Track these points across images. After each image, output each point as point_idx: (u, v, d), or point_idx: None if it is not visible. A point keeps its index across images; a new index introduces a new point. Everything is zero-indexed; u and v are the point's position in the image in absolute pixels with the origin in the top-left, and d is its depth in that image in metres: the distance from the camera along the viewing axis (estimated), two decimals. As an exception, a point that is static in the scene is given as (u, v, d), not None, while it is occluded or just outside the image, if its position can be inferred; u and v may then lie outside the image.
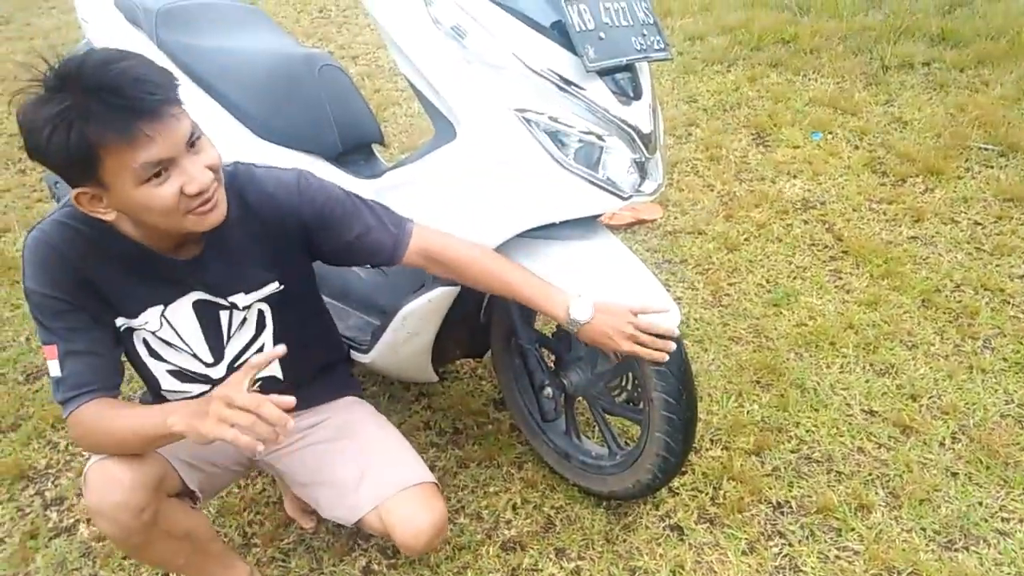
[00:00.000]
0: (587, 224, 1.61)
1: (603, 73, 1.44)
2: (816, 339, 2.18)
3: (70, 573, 1.74)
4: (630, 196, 1.48)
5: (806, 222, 2.70)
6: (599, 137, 1.43)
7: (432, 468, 1.92)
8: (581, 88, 1.42)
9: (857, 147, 3.11)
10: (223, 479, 1.57)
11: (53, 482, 1.98)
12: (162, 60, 2.01)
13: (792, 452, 1.87)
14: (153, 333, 1.36)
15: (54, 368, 1.29)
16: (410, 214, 1.58)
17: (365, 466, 1.46)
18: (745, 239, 2.63)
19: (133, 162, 1.12)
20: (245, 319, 1.44)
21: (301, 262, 1.48)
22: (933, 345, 2.13)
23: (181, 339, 1.40)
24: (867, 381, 2.03)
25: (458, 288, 1.61)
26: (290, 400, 1.11)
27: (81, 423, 1.29)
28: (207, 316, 1.40)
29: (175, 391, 1.43)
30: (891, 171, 2.91)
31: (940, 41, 3.86)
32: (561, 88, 1.41)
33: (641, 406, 1.65)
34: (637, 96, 1.50)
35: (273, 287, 1.43)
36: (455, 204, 1.51)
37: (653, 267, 2.52)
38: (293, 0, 5.27)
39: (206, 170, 1.19)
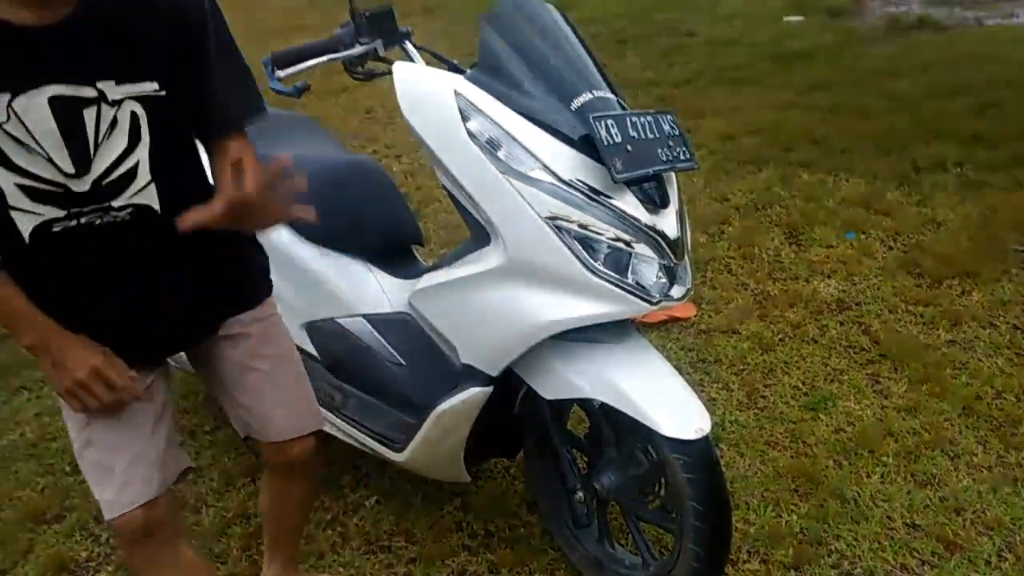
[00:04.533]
0: (618, 327, 1.64)
1: (631, 183, 1.50)
2: (855, 446, 2.15)
3: (101, 673, 1.74)
4: (659, 300, 1.51)
5: (842, 323, 2.69)
6: (628, 244, 1.48)
7: (463, 573, 1.91)
8: (610, 197, 1.48)
9: (891, 247, 3.12)
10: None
11: (92, 574, 2.00)
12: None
13: (832, 567, 1.82)
14: (1, 126, 1.15)
15: None
16: (447, 315, 1.64)
17: (273, 404, 1.54)
18: (780, 339, 2.63)
19: None
20: (115, 121, 1.23)
21: (186, 72, 1.27)
22: (975, 455, 2.09)
23: (34, 139, 1.18)
24: (908, 492, 1.99)
25: (491, 389, 1.64)
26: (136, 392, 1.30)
27: None
28: (68, 116, 1.18)
29: (23, 210, 1.21)
30: (927, 272, 2.91)
31: (972, 142, 3.90)
32: (591, 197, 1.47)
33: (674, 514, 1.63)
34: (664, 204, 1.56)
35: (151, 88, 1.24)
36: (490, 306, 1.56)
37: (687, 366, 2.53)
38: (343, 102, 5.52)
39: None
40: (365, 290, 2.02)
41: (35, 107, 1.16)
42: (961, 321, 2.62)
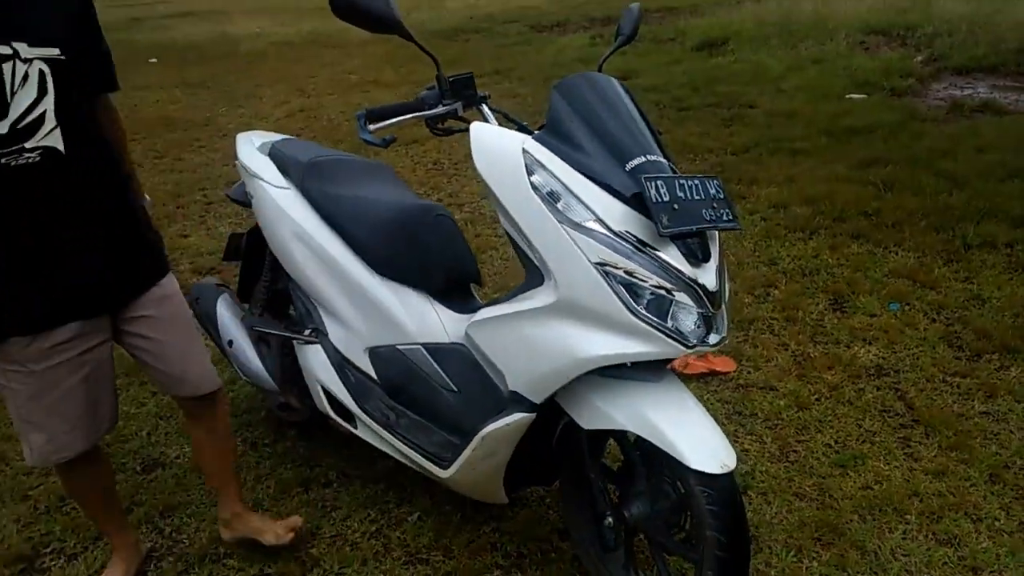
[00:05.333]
0: (656, 368, 1.78)
1: (675, 238, 1.66)
2: (881, 503, 2.22)
3: (160, 649, 1.91)
4: (695, 345, 1.65)
5: (878, 388, 2.77)
6: (669, 292, 1.63)
7: (495, 590, 2.03)
8: (655, 249, 1.64)
9: (934, 320, 3.18)
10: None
11: (155, 564, 2.19)
12: (304, 203, 2.37)
13: (848, 612, 1.89)
14: None
15: None
16: (500, 345, 1.80)
17: (182, 370, 1.97)
18: (816, 399, 2.72)
19: None
20: (27, 76, 1.58)
21: (82, 42, 1.70)
22: (998, 520, 2.13)
23: None
24: (928, 550, 2.05)
25: (533, 416, 1.79)
26: None
27: None
28: None
29: None
30: (967, 346, 2.97)
31: (1023, 223, 3.95)
32: (638, 248, 1.63)
33: (697, 545, 1.74)
34: (706, 259, 1.70)
35: (55, 52, 1.62)
36: (540, 339, 1.72)
37: (723, 417, 2.63)
38: (412, 154, 5.83)
39: None
40: (425, 321, 2.20)
41: None
42: (996, 394, 2.67)
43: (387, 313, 2.24)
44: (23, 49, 1.58)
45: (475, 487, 2.02)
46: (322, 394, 2.32)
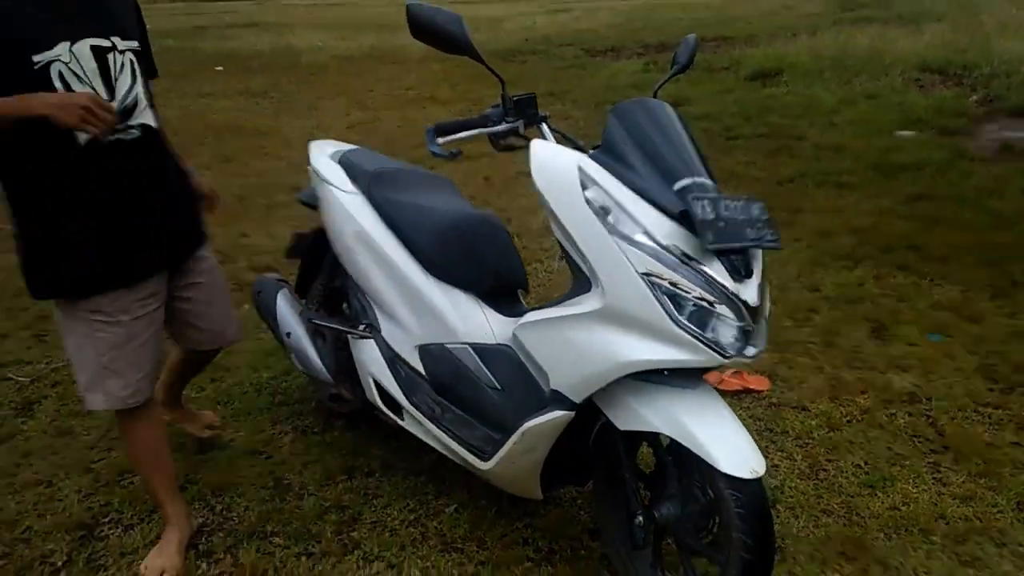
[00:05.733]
0: (691, 375, 1.87)
1: (720, 253, 1.75)
2: (907, 523, 2.26)
3: (211, 615, 2.04)
4: (732, 356, 1.74)
5: (910, 414, 2.80)
6: (711, 304, 1.72)
7: (524, 582, 2.13)
8: (700, 263, 1.73)
9: (974, 353, 3.20)
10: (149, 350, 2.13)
11: (206, 538, 2.33)
12: (369, 208, 2.52)
13: (868, 624, 1.94)
14: (66, 64, 1.80)
15: None
16: (546, 346, 1.91)
17: (223, 327, 2.37)
18: (848, 421, 2.77)
19: None
20: (123, 65, 1.92)
21: (144, 35, 2.07)
22: (1023, 546, 2.16)
23: (86, 75, 1.84)
24: (950, 571, 2.09)
25: (572, 414, 1.89)
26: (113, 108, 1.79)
27: None
28: (100, 58, 1.86)
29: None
30: (1003, 379, 2.99)
31: (1074, 264, 3.94)
32: (683, 261, 1.73)
33: (724, 548, 1.82)
34: (748, 275, 1.80)
35: (135, 44, 1.97)
36: (584, 342, 1.82)
37: (754, 433, 2.68)
38: (463, 168, 5.99)
39: None
40: (474, 323, 2.32)
41: (84, 51, 1.83)
42: (1030, 427, 2.70)
43: (438, 313, 2.36)
44: (118, 42, 1.91)
45: (513, 481, 2.12)
46: (373, 387, 2.45)
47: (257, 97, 9.67)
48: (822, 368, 3.12)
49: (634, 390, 1.84)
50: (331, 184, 2.62)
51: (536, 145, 1.94)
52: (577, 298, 1.87)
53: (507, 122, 2.08)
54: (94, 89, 1.85)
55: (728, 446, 1.75)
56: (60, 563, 2.23)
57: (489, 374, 2.24)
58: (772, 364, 3.13)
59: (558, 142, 2.02)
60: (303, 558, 2.22)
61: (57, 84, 1.79)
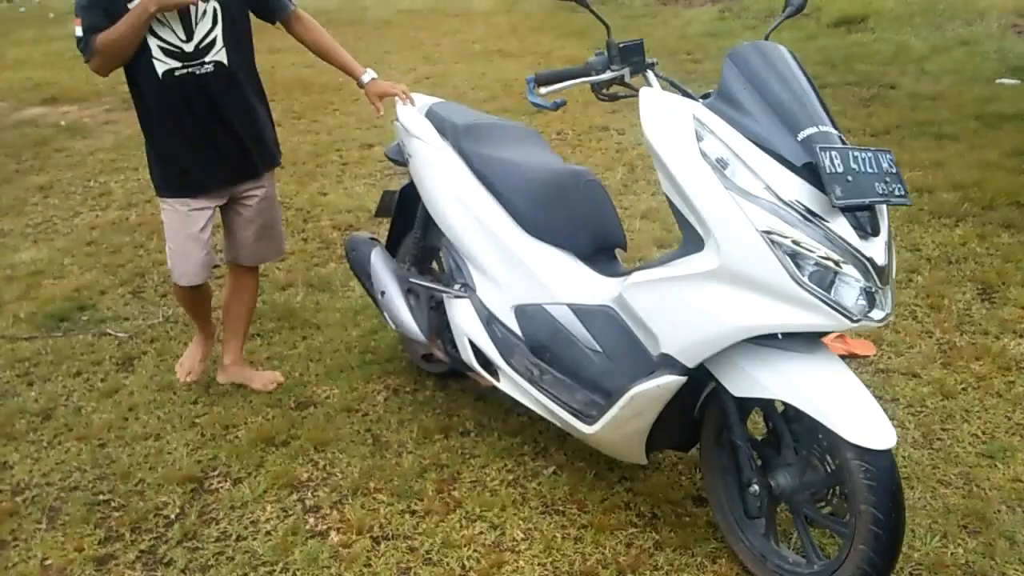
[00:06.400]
0: (811, 341, 1.79)
1: (846, 210, 1.65)
2: (1032, 497, 2.15)
3: (320, 570, 2.07)
4: (859, 320, 1.65)
5: (1031, 382, 2.66)
6: (836, 264, 1.63)
7: (628, 546, 2.10)
8: (825, 220, 1.64)
9: (1093, 317, 3.01)
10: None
11: (312, 493, 2.36)
12: (460, 163, 2.47)
13: (996, 600, 1.86)
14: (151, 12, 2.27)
15: (78, 31, 2.31)
16: (656, 308, 1.85)
17: (267, 241, 2.81)
18: (963, 389, 2.64)
19: None
20: (205, 12, 2.38)
21: None
22: None
23: (165, 19, 2.33)
24: (1086, 545, 1.98)
25: (684, 379, 1.83)
26: None
27: (97, 51, 2.31)
28: (182, 8, 2.32)
29: (160, 60, 2.37)
30: None
31: None
32: (806, 218, 1.64)
33: (846, 519, 1.75)
34: (875, 233, 1.69)
35: None
36: (697, 304, 1.75)
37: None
38: (535, 124, 5.86)
39: None
40: (572, 282, 2.26)
41: None
42: None
43: (535, 272, 2.32)
44: None
45: (617, 445, 2.09)
46: (468, 347, 2.43)
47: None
48: (931, 333, 2.97)
49: (749, 354, 1.76)
50: (420, 139, 2.58)
51: (646, 94, 1.86)
52: (688, 257, 1.80)
53: (612, 70, 2.00)
54: (172, 32, 2.36)
55: (855, 415, 1.67)
56: (173, 515, 2.29)
57: (589, 335, 2.19)
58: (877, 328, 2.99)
59: (665, 91, 1.93)
60: (407, 515, 2.24)
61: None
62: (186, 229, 2.60)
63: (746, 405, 1.89)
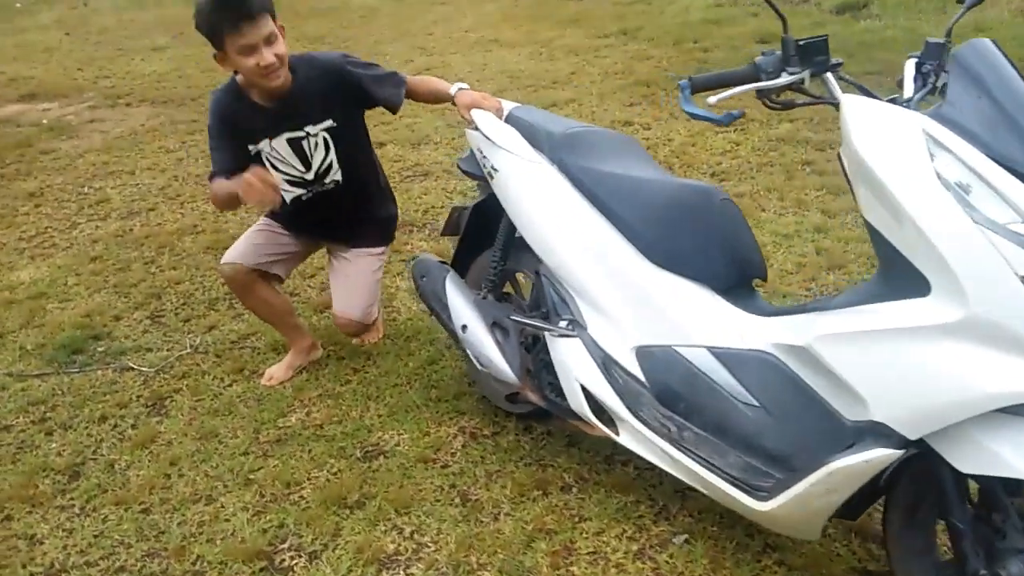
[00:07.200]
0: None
1: None
2: None
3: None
4: None
5: None
6: None
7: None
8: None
9: None
10: (292, 261, 2.86)
11: (405, 571, 2.02)
12: (562, 179, 2.13)
13: None
14: (269, 154, 2.53)
15: (211, 164, 2.51)
16: (864, 366, 1.53)
17: (347, 296, 2.77)
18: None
19: (237, 43, 2.29)
20: (317, 143, 2.55)
21: (347, 109, 2.57)
22: None
23: (284, 159, 2.55)
24: None
25: (903, 452, 1.52)
26: (276, 184, 2.27)
27: (213, 187, 2.48)
28: (296, 146, 2.54)
29: (288, 190, 2.58)
30: None
31: None
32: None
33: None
34: None
35: (329, 123, 2.55)
36: (930, 365, 1.44)
37: None
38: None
39: (273, 55, 2.32)
40: (712, 321, 1.94)
41: (281, 144, 2.54)
42: None
43: (664, 308, 2.00)
44: (310, 129, 2.55)
45: (793, 523, 1.78)
46: (580, 393, 2.10)
47: (314, 43, 9.15)
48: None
49: (988, 424, 1.45)
50: (509, 151, 2.24)
51: (853, 102, 1.54)
52: (904, 303, 1.49)
53: (789, 73, 1.67)
54: (292, 166, 2.58)
55: None
56: (247, 606, 1.94)
57: (740, 386, 1.87)
58: None
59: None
60: (526, 601, 1.91)
61: (267, 164, 2.53)
62: (263, 231, 2.76)
63: (964, 477, 1.58)
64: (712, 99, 1.65)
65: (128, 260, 3.77)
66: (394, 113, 2.68)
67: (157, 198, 4.52)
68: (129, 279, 3.57)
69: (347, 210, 2.70)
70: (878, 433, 1.53)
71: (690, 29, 8.65)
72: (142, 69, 7.70)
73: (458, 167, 2.54)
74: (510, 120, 2.34)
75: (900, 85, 1.75)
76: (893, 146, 1.45)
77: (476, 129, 2.34)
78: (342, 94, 2.53)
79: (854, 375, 1.56)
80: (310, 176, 2.60)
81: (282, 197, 2.45)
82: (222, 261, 2.71)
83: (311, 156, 2.56)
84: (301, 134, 2.52)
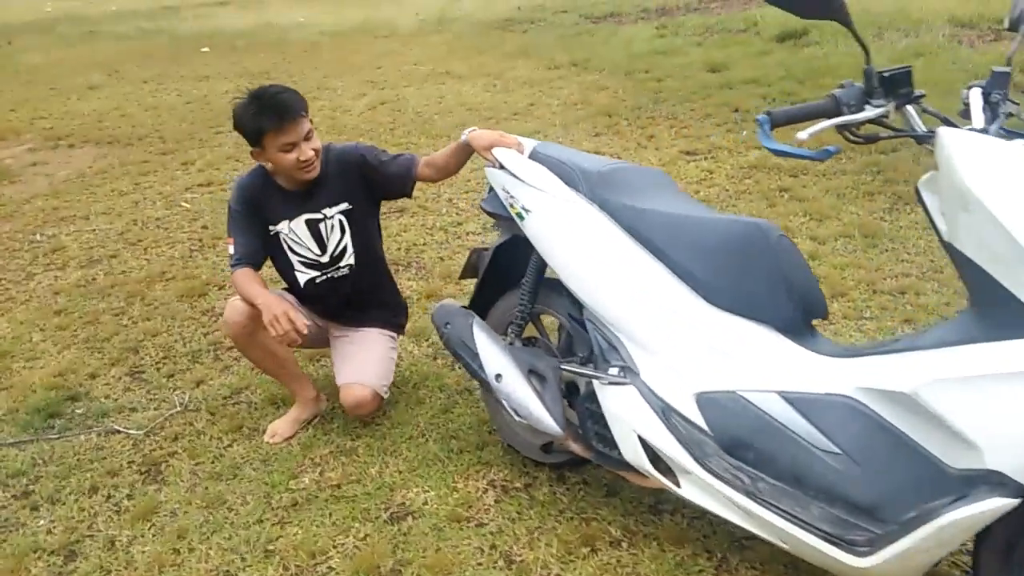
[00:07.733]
0: None
1: None
2: None
3: None
4: None
5: None
6: None
7: None
8: None
9: None
10: (312, 340, 2.71)
11: (463, 647, 1.85)
12: (603, 218, 2.03)
13: None
14: (287, 235, 2.59)
15: (231, 249, 2.54)
16: (978, 412, 1.46)
17: (356, 368, 2.65)
18: None
19: (277, 140, 2.38)
20: (333, 226, 2.59)
21: (363, 193, 2.62)
22: None
23: (301, 240, 2.59)
24: None
25: (1018, 502, 1.45)
26: (303, 327, 2.35)
27: (236, 279, 2.49)
28: (313, 228, 2.59)
29: (302, 272, 2.63)
30: None
31: None
32: None
33: None
34: None
35: (345, 205, 2.60)
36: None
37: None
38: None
39: (311, 150, 2.43)
40: (781, 364, 1.86)
41: (299, 225, 2.58)
42: None
43: (726, 352, 1.91)
44: (327, 211, 2.59)
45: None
46: (638, 444, 1.98)
47: (257, 78, 8.91)
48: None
49: None
50: (541, 190, 2.13)
51: (953, 136, 1.49)
52: (1016, 342, 1.43)
53: (872, 106, 1.62)
54: (308, 248, 2.61)
55: None
56: None
57: (818, 432, 1.78)
58: None
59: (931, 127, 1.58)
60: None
61: (284, 245, 2.61)
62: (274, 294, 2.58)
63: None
64: (803, 134, 1.58)
65: (96, 312, 3.49)
66: (408, 198, 2.72)
67: (117, 244, 4.24)
68: (100, 333, 3.30)
69: (358, 294, 2.71)
70: (992, 482, 1.46)
71: (639, 60, 8.75)
72: (80, 108, 7.36)
73: (481, 208, 2.42)
74: (535, 157, 2.23)
75: (964, 115, 1.71)
76: (1010, 181, 1.40)
77: (501, 168, 2.22)
78: (360, 179, 2.60)
79: (968, 422, 1.48)
80: (325, 259, 2.62)
81: (296, 280, 2.63)
82: (228, 304, 2.55)
83: (327, 239, 2.60)
84: (319, 216, 2.57)
